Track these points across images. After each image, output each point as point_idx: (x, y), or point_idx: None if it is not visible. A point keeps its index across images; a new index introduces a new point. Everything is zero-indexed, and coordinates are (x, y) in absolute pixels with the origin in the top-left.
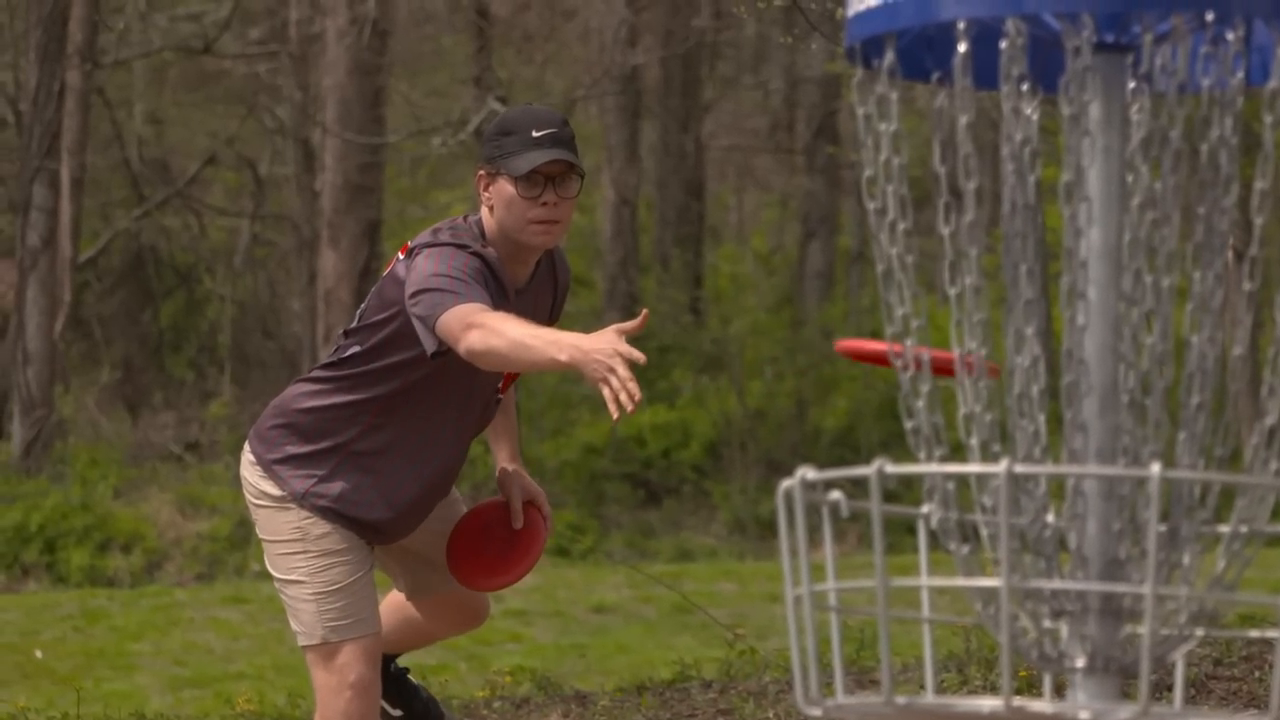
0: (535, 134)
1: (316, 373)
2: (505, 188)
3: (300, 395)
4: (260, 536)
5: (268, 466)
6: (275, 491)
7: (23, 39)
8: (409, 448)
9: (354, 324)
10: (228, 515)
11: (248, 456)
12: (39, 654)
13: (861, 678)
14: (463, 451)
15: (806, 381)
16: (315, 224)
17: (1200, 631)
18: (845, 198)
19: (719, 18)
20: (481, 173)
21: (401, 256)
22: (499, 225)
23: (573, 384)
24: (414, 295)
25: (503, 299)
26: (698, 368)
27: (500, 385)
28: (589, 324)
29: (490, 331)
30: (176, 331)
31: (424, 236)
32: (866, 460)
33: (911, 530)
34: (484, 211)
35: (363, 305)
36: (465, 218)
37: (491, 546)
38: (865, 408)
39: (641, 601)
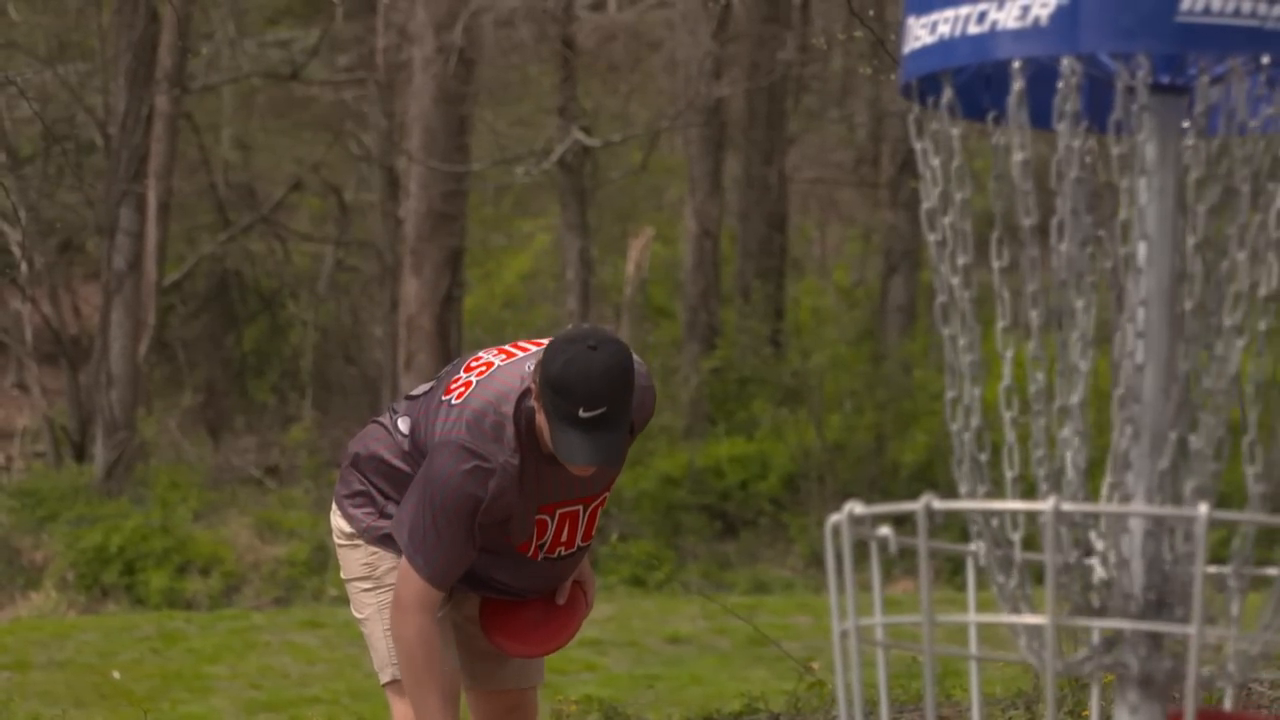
0: (583, 414)
1: (386, 420)
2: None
3: (372, 439)
4: (342, 577)
5: (339, 502)
6: (347, 528)
7: (112, 64)
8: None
9: (415, 394)
10: (306, 540)
11: (334, 500)
12: (117, 675)
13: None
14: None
15: (886, 415)
16: (398, 251)
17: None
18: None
19: (804, 51)
20: (533, 388)
21: (460, 389)
22: (543, 438)
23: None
24: (410, 493)
25: (497, 520)
26: (777, 400)
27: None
28: (669, 355)
29: (410, 662)
30: (259, 356)
31: (468, 415)
32: (944, 495)
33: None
34: (539, 413)
35: (424, 388)
36: (519, 403)
37: (528, 614)
38: (944, 442)
39: (716, 633)
